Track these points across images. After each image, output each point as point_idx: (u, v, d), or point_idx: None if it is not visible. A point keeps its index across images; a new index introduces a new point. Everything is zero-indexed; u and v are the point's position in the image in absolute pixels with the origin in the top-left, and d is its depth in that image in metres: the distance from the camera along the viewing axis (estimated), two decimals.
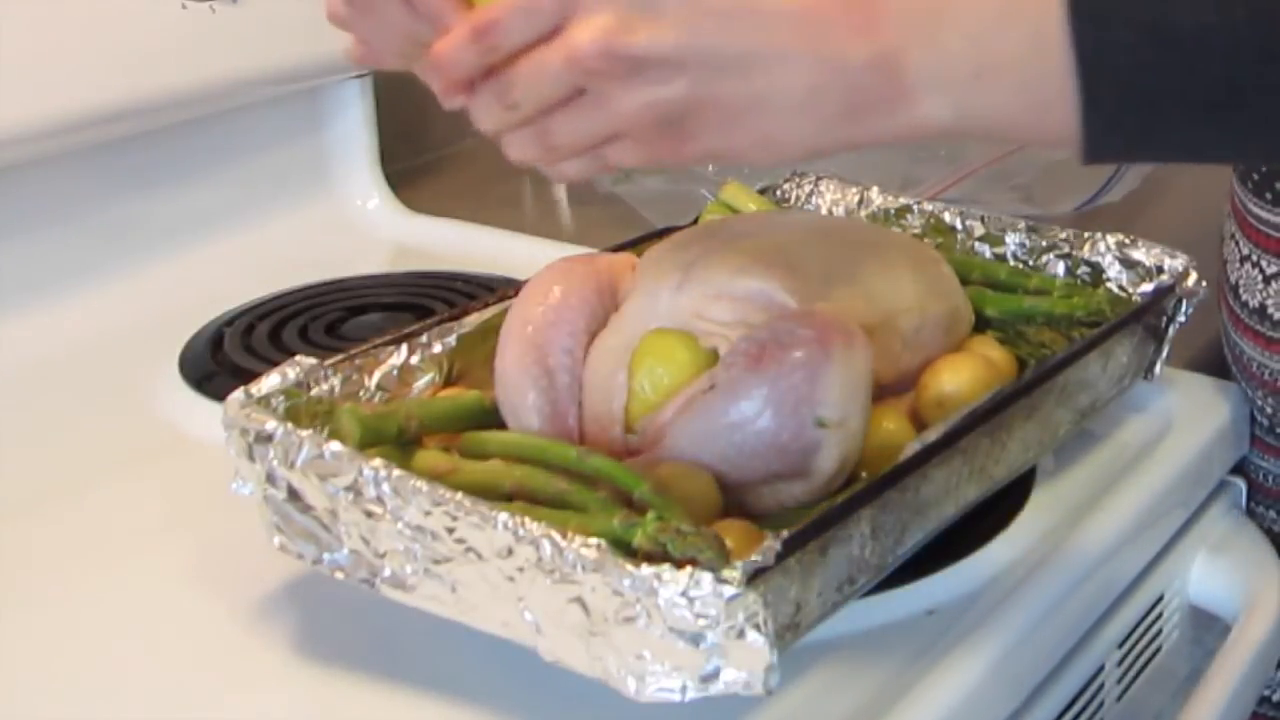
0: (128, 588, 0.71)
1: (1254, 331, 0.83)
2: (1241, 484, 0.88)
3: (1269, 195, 0.80)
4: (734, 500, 0.64)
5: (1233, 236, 0.85)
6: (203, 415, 0.82)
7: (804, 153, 0.55)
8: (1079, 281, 0.83)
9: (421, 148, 1.35)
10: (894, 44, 0.53)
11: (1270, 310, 0.82)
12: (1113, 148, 0.54)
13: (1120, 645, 0.76)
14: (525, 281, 0.73)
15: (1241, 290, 0.84)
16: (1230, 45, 0.50)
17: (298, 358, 0.69)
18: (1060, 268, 0.85)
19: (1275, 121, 0.51)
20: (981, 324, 0.80)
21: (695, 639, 0.53)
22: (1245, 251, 0.83)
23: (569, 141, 0.56)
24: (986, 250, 0.87)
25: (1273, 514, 0.88)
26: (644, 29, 0.52)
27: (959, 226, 0.88)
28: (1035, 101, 0.53)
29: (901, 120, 0.54)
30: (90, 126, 0.97)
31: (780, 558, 0.54)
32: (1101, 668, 0.74)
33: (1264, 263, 0.82)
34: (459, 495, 0.58)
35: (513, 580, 0.56)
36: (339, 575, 0.62)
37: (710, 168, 1.17)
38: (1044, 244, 0.85)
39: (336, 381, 0.69)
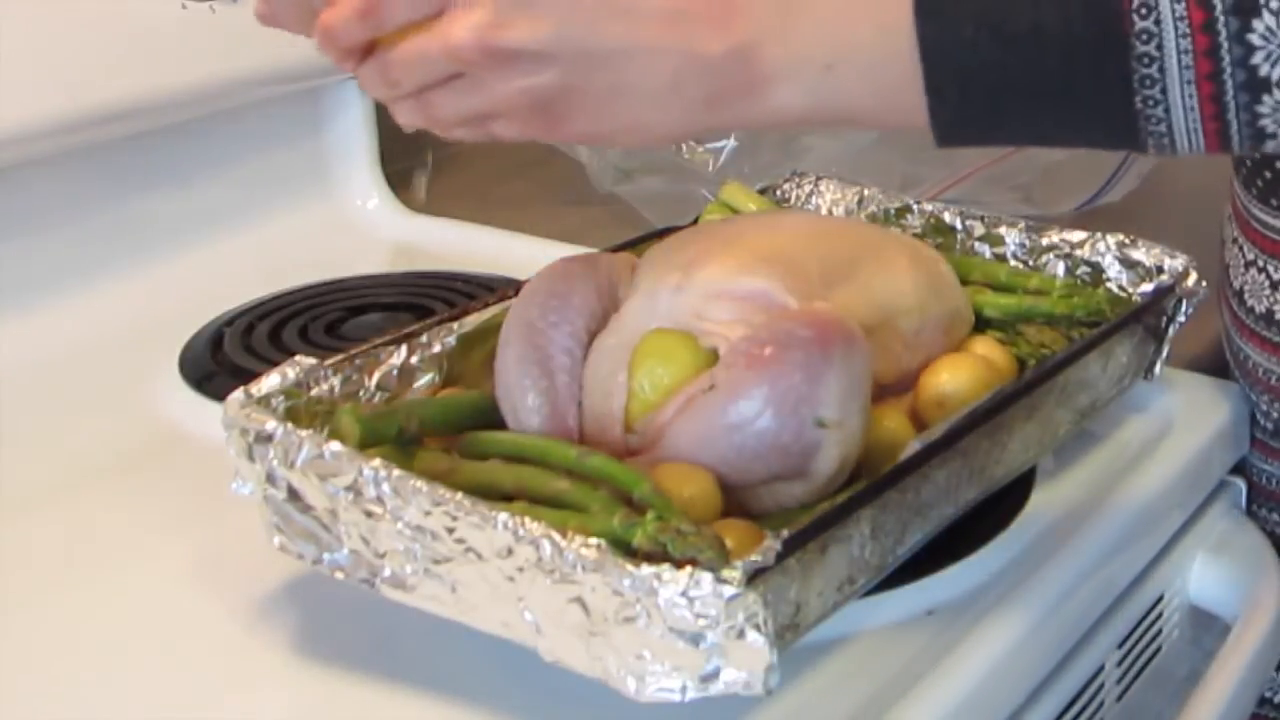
0: (128, 587, 0.71)
1: (1260, 337, 0.83)
2: (1241, 484, 0.88)
3: (1274, 201, 0.80)
4: (734, 500, 0.64)
5: (1235, 241, 0.85)
6: (203, 415, 0.82)
7: (670, 137, 0.60)
8: (1079, 281, 0.83)
9: (421, 148, 1.35)
10: (749, 38, 0.57)
11: (1278, 316, 0.82)
12: (960, 134, 0.58)
13: (1120, 645, 0.76)
14: (525, 281, 0.73)
15: (1247, 296, 0.84)
16: (1066, 44, 0.54)
17: (298, 358, 0.69)
18: (1060, 268, 0.85)
19: (1110, 113, 0.55)
20: (981, 324, 0.80)
21: (695, 639, 0.53)
22: (1250, 257, 0.83)
23: (450, 115, 0.60)
24: (986, 250, 0.87)
25: (1275, 517, 0.87)
26: (517, 23, 0.57)
27: (959, 226, 0.88)
28: (884, 92, 0.57)
29: (759, 108, 0.59)
30: (90, 126, 0.97)
31: (780, 557, 0.54)
32: (1101, 668, 0.74)
33: (1271, 268, 0.81)
34: (459, 495, 0.58)
35: (513, 580, 0.57)
36: (339, 575, 0.62)
37: (710, 167, 1.17)
38: (1044, 244, 0.85)
39: (336, 381, 0.69)
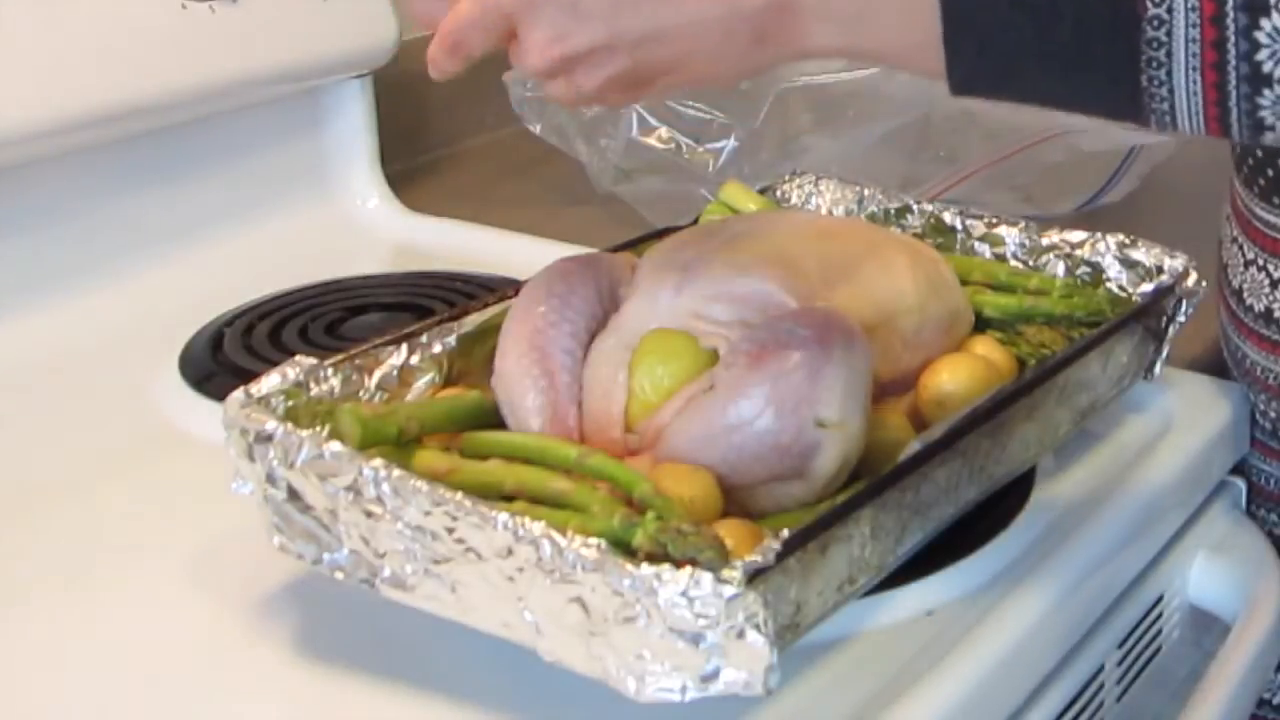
0: (128, 587, 0.71)
1: (1259, 335, 0.83)
2: (1241, 484, 0.88)
3: (1276, 200, 0.80)
4: (734, 500, 0.64)
5: (1235, 240, 0.85)
6: (203, 415, 0.82)
7: (734, 79, 0.67)
8: (1079, 281, 0.83)
9: (421, 148, 1.35)
10: None
11: (1277, 314, 0.82)
12: (976, 88, 0.61)
13: (1120, 645, 0.76)
14: (525, 281, 0.73)
15: (1246, 295, 0.84)
16: (1080, 18, 0.57)
17: (298, 358, 0.69)
18: (1060, 268, 0.85)
19: (1117, 87, 0.58)
20: (981, 324, 0.80)
21: (695, 639, 0.53)
22: (1250, 256, 0.83)
23: (563, 100, 0.68)
24: (986, 250, 0.87)
25: (1273, 517, 0.87)
26: (574, 32, 0.64)
27: (959, 226, 0.88)
28: (909, 42, 0.62)
29: (801, 46, 0.64)
30: (90, 126, 0.97)
31: (780, 557, 0.54)
32: (1101, 668, 0.74)
33: (1271, 266, 0.82)
34: (459, 495, 0.58)
35: (513, 580, 0.56)
36: (339, 575, 0.62)
37: (710, 167, 1.17)
38: (1044, 244, 0.85)
39: (336, 381, 0.69)
